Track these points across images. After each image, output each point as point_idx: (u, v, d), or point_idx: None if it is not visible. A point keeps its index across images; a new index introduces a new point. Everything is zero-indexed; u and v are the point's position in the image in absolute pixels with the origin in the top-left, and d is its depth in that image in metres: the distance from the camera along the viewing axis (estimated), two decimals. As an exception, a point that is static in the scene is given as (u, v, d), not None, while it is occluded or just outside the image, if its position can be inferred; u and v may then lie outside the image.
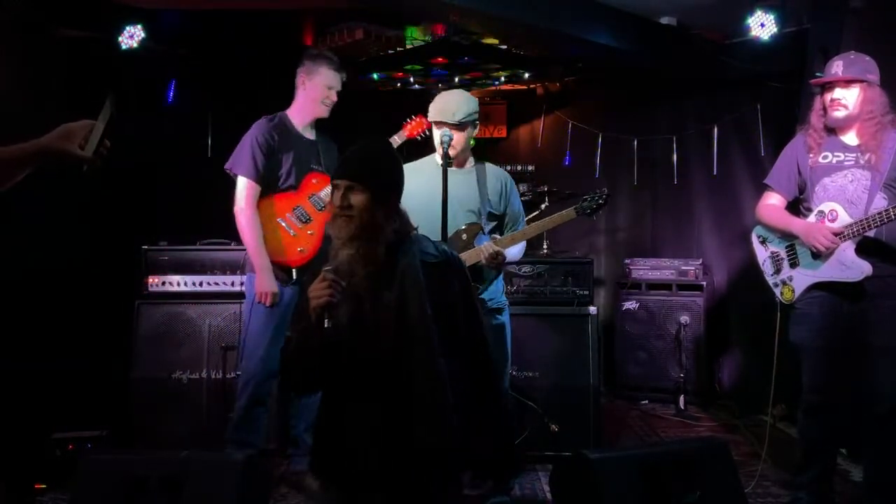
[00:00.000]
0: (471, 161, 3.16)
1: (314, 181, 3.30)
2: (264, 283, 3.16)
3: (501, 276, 3.20)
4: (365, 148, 2.08)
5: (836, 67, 2.94)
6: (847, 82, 2.90)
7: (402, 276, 1.99)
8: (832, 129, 2.99)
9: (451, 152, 2.97)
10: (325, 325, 1.88)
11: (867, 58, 2.95)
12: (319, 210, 3.24)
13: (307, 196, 3.28)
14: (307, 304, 1.95)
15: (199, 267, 3.99)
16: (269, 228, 3.23)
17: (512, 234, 3.07)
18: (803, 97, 4.16)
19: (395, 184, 2.08)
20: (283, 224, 3.25)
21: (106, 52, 4.25)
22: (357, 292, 1.97)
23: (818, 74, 3.07)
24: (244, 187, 3.21)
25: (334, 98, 3.37)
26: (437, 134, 3.00)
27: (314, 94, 3.33)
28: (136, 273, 4.03)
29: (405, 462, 1.92)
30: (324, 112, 3.37)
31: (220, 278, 3.95)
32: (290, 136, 3.34)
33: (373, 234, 1.97)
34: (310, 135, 3.41)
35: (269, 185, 3.26)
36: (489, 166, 3.19)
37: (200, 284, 3.96)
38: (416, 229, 2.13)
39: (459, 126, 2.98)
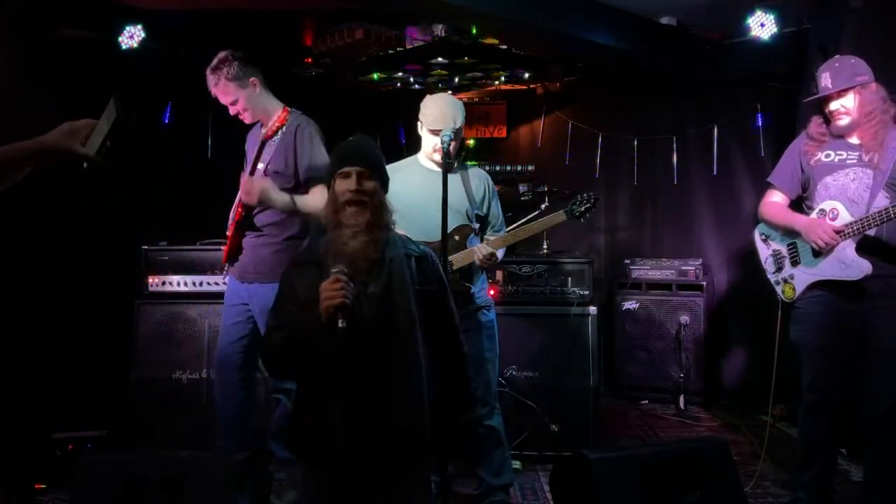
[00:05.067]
0: (455, 164, 3.18)
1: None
2: None
3: (484, 275, 3.25)
4: (361, 140, 2.14)
5: (825, 80, 2.92)
6: (839, 93, 2.90)
7: (389, 267, 2.03)
8: (839, 135, 2.99)
9: (448, 159, 2.98)
10: (340, 325, 1.87)
11: (852, 59, 2.94)
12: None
13: None
14: (288, 296, 2.01)
15: (199, 267, 3.99)
16: None
17: (503, 236, 3.11)
18: (803, 97, 4.17)
19: (387, 175, 2.17)
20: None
21: (106, 52, 4.25)
22: (352, 277, 1.98)
23: (815, 73, 3.06)
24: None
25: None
26: (430, 138, 3.02)
27: None
28: (136, 273, 4.03)
29: (385, 441, 1.97)
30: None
31: (220, 278, 3.94)
32: (253, 138, 3.32)
33: (381, 220, 2.04)
34: (266, 130, 3.26)
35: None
36: (471, 168, 3.23)
37: (200, 284, 3.96)
38: (395, 225, 2.18)
39: (458, 132, 3.02)
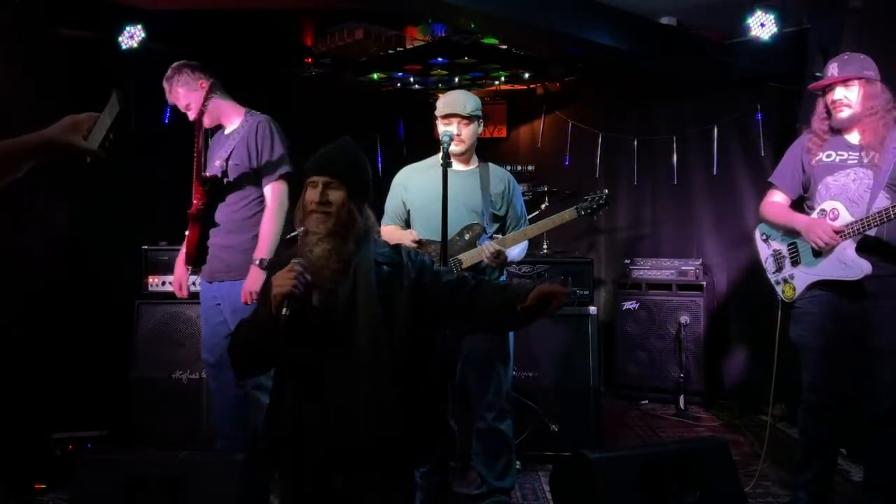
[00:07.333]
0: (475, 161, 3.19)
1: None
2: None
3: (504, 276, 3.22)
4: (339, 146, 2.12)
5: (832, 69, 2.94)
6: (845, 81, 2.91)
7: (355, 271, 2.03)
8: (837, 130, 2.99)
9: (461, 146, 3.04)
10: (284, 313, 1.87)
11: (862, 56, 2.96)
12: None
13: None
14: (268, 291, 1.99)
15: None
16: None
17: (513, 233, 3.09)
18: (803, 97, 4.17)
19: (368, 182, 2.15)
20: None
21: (106, 52, 4.25)
22: (317, 284, 1.98)
23: (818, 74, 3.07)
24: None
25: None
26: (443, 129, 3.02)
27: None
28: (136, 273, 4.03)
29: (354, 447, 1.94)
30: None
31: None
32: (217, 139, 3.33)
33: (348, 230, 2.04)
34: (227, 130, 3.30)
35: None
36: (492, 167, 3.21)
37: (200, 284, 3.95)
38: (378, 230, 2.17)
39: (469, 118, 3.04)
